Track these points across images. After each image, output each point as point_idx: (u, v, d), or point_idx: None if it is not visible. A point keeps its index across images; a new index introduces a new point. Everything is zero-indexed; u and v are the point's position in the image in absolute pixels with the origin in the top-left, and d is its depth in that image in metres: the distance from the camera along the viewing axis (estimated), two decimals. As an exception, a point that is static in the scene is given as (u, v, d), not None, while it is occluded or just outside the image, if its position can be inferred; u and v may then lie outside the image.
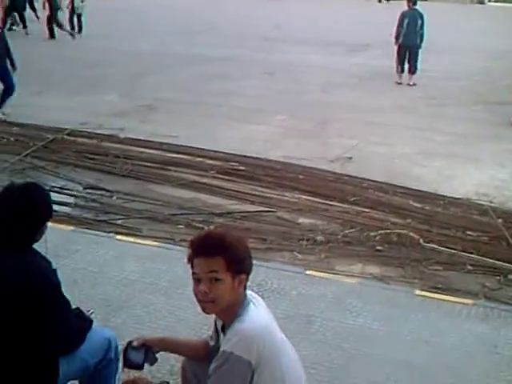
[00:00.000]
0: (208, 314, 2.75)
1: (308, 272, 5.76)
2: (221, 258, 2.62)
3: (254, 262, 5.68)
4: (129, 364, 2.86)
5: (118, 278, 5.46)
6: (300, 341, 4.60)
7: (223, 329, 2.74)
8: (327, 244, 6.50)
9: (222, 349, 2.58)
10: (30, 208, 2.81)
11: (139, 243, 6.20)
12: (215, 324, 2.89)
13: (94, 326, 3.04)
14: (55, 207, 7.00)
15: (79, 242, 6.11)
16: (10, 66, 10.57)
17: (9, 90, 10.67)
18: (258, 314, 2.67)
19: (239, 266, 2.66)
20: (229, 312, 2.68)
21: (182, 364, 3.06)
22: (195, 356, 2.99)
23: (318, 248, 6.40)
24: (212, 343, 2.91)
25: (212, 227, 6.70)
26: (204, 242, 2.68)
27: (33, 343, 2.67)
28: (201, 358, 2.93)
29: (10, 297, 2.62)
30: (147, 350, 2.90)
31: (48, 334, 2.69)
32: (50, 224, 6.44)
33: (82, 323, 2.93)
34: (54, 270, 2.79)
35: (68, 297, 4.94)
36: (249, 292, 2.80)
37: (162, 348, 3.01)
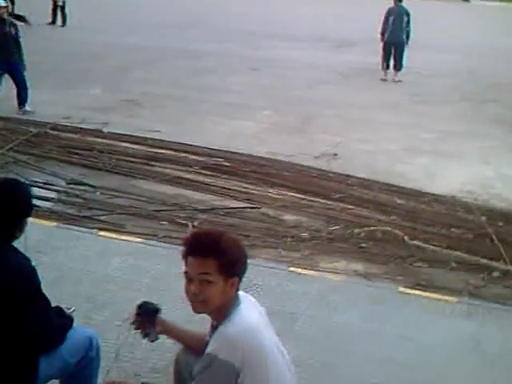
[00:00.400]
0: (198, 313, 2.71)
1: (292, 269, 5.74)
2: (214, 259, 2.56)
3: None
4: (144, 310, 2.83)
5: (101, 274, 5.41)
6: (283, 338, 4.52)
7: (215, 328, 2.71)
8: (311, 241, 6.48)
9: (206, 351, 2.55)
10: (9, 204, 2.75)
11: (122, 239, 6.15)
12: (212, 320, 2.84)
13: (74, 324, 3.00)
14: (38, 202, 7.04)
15: (62, 238, 6.05)
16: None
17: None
18: (247, 315, 2.63)
19: (232, 268, 2.61)
20: (219, 313, 2.64)
21: (176, 356, 3.03)
22: (196, 347, 2.94)
23: (302, 245, 6.38)
24: (207, 339, 2.86)
25: (196, 224, 6.68)
26: (198, 242, 2.63)
27: (12, 342, 2.62)
28: (200, 350, 2.88)
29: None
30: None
31: (28, 333, 2.65)
32: (32, 220, 6.35)
33: (62, 322, 2.89)
34: (34, 268, 2.74)
35: (50, 294, 4.90)
36: (241, 293, 2.75)
37: (165, 329, 2.96)
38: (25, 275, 2.67)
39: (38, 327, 2.67)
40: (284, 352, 2.80)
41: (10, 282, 2.60)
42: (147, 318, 2.91)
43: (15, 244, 2.91)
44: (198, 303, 2.61)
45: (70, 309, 3.08)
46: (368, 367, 4.32)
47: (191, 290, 2.59)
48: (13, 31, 10.56)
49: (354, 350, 4.51)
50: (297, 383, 2.83)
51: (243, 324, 2.58)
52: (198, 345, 2.88)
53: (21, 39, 10.76)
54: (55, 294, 4.90)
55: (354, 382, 4.17)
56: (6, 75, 10.66)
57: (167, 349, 4.07)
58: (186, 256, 2.63)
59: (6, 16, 10.56)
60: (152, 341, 2.93)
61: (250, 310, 2.68)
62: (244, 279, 5.25)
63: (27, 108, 10.61)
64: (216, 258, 2.56)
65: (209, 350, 2.54)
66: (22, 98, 10.65)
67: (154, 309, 2.94)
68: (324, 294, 5.29)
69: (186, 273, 2.63)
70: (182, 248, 2.67)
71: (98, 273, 5.43)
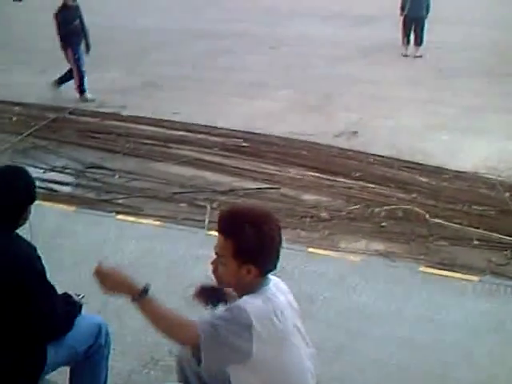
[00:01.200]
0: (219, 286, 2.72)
1: (311, 249, 5.68)
2: (230, 242, 2.49)
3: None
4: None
5: (119, 258, 5.38)
6: (303, 320, 4.54)
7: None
8: (331, 221, 6.42)
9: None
10: (12, 192, 2.71)
11: (140, 222, 6.14)
12: None
13: (87, 311, 2.97)
14: (56, 187, 7.05)
15: (80, 222, 6.05)
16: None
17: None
18: (274, 294, 2.53)
19: (248, 256, 2.48)
20: (240, 291, 2.58)
21: (178, 353, 2.97)
22: None
23: (322, 225, 6.32)
24: None
25: (215, 205, 6.64)
26: (223, 219, 2.57)
27: (19, 330, 2.60)
28: None
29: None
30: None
31: (34, 321, 2.62)
32: (50, 204, 6.47)
33: (69, 309, 2.86)
34: (38, 257, 2.70)
35: (68, 279, 4.92)
36: (272, 277, 2.65)
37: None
38: (29, 264, 2.63)
39: (43, 315, 2.64)
40: (307, 340, 2.72)
41: (15, 271, 2.56)
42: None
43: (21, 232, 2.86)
44: (216, 278, 2.61)
45: (79, 295, 3.05)
46: (387, 348, 4.26)
47: (211, 264, 2.59)
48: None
49: (373, 331, 4.45)
50: (313, 373, 2.76)
51: (269, 299, 2.50)
52: None
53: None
54: (73, 278, 4.95)
55: (373, 364, 4.11)
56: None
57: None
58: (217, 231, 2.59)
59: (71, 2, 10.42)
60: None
61: (277, 292, 2.59)
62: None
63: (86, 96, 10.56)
64: (232, 243, 2.49)
65: (235, 302, 2.49)
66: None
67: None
68: (343, 274, 5.22)
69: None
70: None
71: (116, 256, 5.40)
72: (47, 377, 2.82)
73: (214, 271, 2.58)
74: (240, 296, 2.56)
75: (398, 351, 4.23)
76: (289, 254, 5.54)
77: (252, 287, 2.53)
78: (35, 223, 5.89)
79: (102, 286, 2.56)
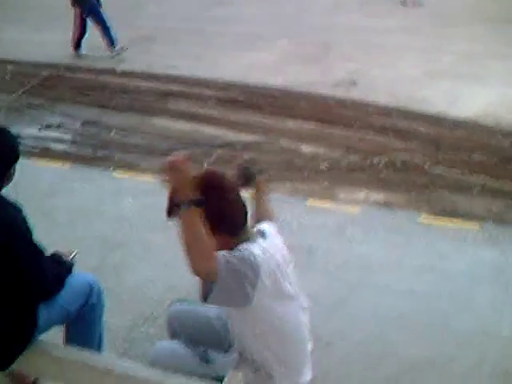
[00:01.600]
0: None
1: (309, 202, 5.62)
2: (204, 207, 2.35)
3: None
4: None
5: (116, 215, 5.35)
6: (300, 273, 4.47)
7: None
8: (330, 172, 6.33)
9: None
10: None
11: (137, 179, 6.06)
12: None
13: (77, 268, 2.91)
14: (52, 145, 6.97)
15: (76, 180, 5.99)
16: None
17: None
18: (262, 247, 2.48)
19: (216, 222, 2.40)
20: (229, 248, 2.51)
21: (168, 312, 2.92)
22: None
23: (321, 176, 6.24)
24: None
25: (212, 160, 6.56)
26: (200, 184, 2.44)
27: (8, 293, 2.54)
28: None
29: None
30: None
31: (23, 283, 2.56)
32: (45, 163, 6.40)
33: (59, 269, 2.80)
34: (23, 218, 2.62)
35: (64, 236, 4.88)
36: (263, 227, 2.60)
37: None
38: (15, 226, 2.55)
39: (32, 276, 2.59)
40: (299, 291, 2.67)
41: (1, 233, 2.49)
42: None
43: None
44: None
45: (71, 253, 2.98)
46: (387, 299, 4.22)
47: None
48: None
49: (373, 282, 4.41)
50: (307, 323, 2.72)
51: (260, 250, 2.45)
52: None
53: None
54: (69, 236, 4.91)
55: (373, 315, 4.08)
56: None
57: (182, 288, 4.03)
58: None
59: None
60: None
61: (266, 244, 2.54)
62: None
63: (116, 48, 10.37)
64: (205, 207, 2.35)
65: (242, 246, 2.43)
66: (109, 39, 10.37)
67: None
68: (342, 226, 5.17)
69: None
70: None
71: (113, 213, 5.37)
72: (40, 337, 2.78)
73: None
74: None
75: (398, 302, 4.19)
76: (287, 206, 5.51)
77: (243, 243, 2.48)
78: (30, 182, 5.88)
79: (167, 173, 2.39)
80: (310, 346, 2.69)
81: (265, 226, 2.65)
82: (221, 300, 2.38)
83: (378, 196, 5.84)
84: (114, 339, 3.82)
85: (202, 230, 2.28)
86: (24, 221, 2.59)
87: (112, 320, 3.92)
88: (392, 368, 3.62)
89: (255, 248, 2.47)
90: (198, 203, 2.29)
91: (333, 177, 6.22)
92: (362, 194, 5.87)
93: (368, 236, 5.00)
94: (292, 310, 2.57)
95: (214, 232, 2.39)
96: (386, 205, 5.65)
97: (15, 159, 2.70)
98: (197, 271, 2.28)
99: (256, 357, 2.51)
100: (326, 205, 5.60)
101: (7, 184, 2.70)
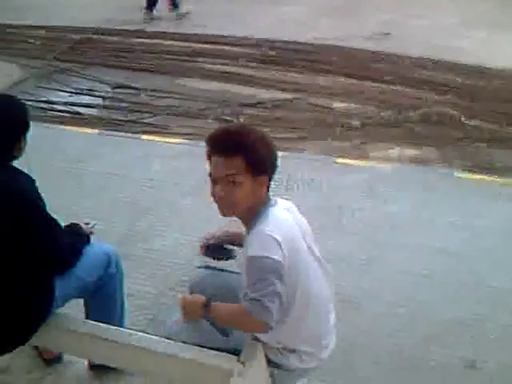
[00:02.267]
0: (226, 216, 2.50)
1: (341, 160, 5.51)
2: (240, 157, 2.34)
3: (285, 153, 5.55)
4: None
5: (144, 179, 5.31)
6: (331, 233, 4.43)
7: (248, 232, 2.51)
8: (362, 129, 6.21)
9: (248, 254, 2.37)
10: (5, 122, 2.57)
11: (166, 142, 6.01)
12: None
13: (92, 241, 2.87)
14: (82, 110, 6.95)
15: (104, 145, 5.95)
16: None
17: None
18: (280, 215, 2.42)
19: (260, 166, 2.38)
20: (249, 215, 2.43)
21: (190, 286, 2.86)
22: None
23: (353, 133, 6.12)
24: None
25: (243, 119, 6.48)
26: (223, 139, 2.40)
27: (24, 265, 2.51)
28: None
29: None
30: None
31: (38, 255, 2.53)
32: (73, 129, 6.38)
33: (76, 240, 2.76)
34: (36, 191, 2.56)
35: (92, 204, 4.87)
36: (279, 199, 2.53)
37: (229, 241, 2.79)
38: (26, 198, 2.50)
39: (47, 249, 2.55)
40: (322, 260, 2.59)
41: (11, 206, 2.44)
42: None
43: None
44: (226, 206, 2.41)
45: (88, 224, 2.94)
46: (419, 258, 4.13)
47: (217, 193, 2.39)
48: None
49: (405, 242, 4.31)
50: (332, 293, 2.63)
51: (276, 222, 2.38)
52: None
53: None
54: (98, 202, 4.91)
55: (405, 275, 3.99)
56: None
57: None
58: (210, 156, 2.41)
59: None
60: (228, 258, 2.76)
61: (282, 211, 2.46)
62: (292, 174, 5.15)
63: (180, 11, 10.25)
64: (242, 156, 2.34)
65: (250, 253, 2.35)
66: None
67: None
68: (374, 184, 5.05)
69: (210, 174, 2.42)
70: (205, 147, 2.44)
71: (141, 178, 5.32)
72: (59, 310, 2.77)
73: (224, 199, 2.39)
74: (249, 226, 2.43)
75: (430, 261, 4.09)
76: (318, 164, 5.43)
77: (264, 205, 2.41)
78: (60, 148, 5.88)
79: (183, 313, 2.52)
80: (332, 317, 2.61)
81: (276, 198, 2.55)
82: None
83: (412, 152, 5.71)
84: (142, 306, 3.80)
85: (228, 314, 2.43)
86: (37, 192, 2.54)
87: (140, 287, 3.92)
88: (423, 330, 3.54)
89: (278, 212, 2.41)
90: (206, 305, 2.42)
91: (365, 133, 6.10)
92: (395, 151, 5.74)
93: (400, 194, 4.89)
94: (314, 281, 2.49)
95: (256, 176, 2.38)
96: (420, 161, 5.53)
97: (25, 129, 2.63)
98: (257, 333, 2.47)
99: (277, 334, 2.44)
100: (358, 163, 5.49)
101: (19, 155, 2.64)
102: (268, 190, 2.49)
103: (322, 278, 2.54)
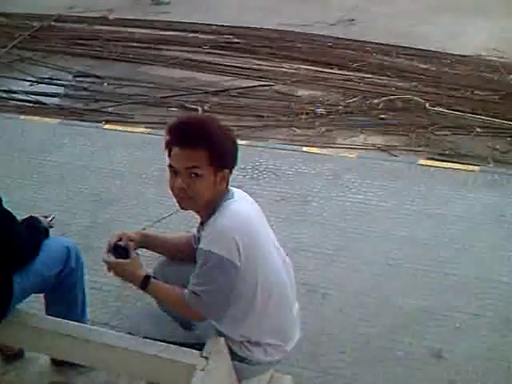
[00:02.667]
0: (184, 209, 2.44)
1: (306, 149, 5.48)
2: (204, 150, 2.27)
3: (250, 141, 5.50)
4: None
5: (107, 170, 5.21)
6: (297, 222, 4.40)
7: (202, 225, 2.46)
8: (328, 116, 6.19)
9: (199, 246, 2.32)
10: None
11: (129, 131, 5.91)
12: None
13: (51, 235, 2.79)
14: (44, 99, 6.82)
15: (66, 135, 5.82)
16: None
17: None
18: (239, 208, 2.37)
19: (223, 160, 2.33)
20: (208, 208, 2.37)
21: (154, 270, 2.80)
22: (177, 254, 2.71)
23: (318, 121, 6.10)
24: (196, 235, 2.61)
25: (207, 107, 6.41)
26: (185, 130, 2.32)
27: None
28: (183, 257, 2.65)
29: None
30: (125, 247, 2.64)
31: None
32: (35, 118, 6.25)
33: (34, 234, 2.68)
34: None
35: (54, 194, 4.78)
36: (236, 189, 2.48)
37: (143, 245, 2.73)
38: None
39: (5, 244, 2.47)
40: (281, 250, 2.55)
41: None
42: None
43: None
44: (186, 199, 2.35)
45: (48, 217, 2.86)
46: (386, 247, 4.10)
47: (178, 185, 2.31)
48: None
49: (372, 230, 4.28)
50: (293, 283, 2.60)
51: (235, 216, 2.33)
52: (183, 251, 2.65)
53: None
54: (59, 193, 4.81)
55: (371, 264, 3.96)
56: None
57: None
58: (170, 146, 2.33)
59: None
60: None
61: (241, 204, 2.41)
62: (257, 163, 5.10)
63: None
64: (206, 149, 2.27)
65: (202, 245, 2.30)
66: None
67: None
68: (339, 173, 5.02)
69: (170, 166, 2.35)
70: (165, 137, 2.37)
71: (104, 168, 5.23)
72: (18, 306, 2.69)
73: (184, 192, 2.32)
74: (206, 219, 2.38)
75: (396, 249, 4.07)
76: (283, 153, 5.39)
77: (222, 198, 2.36)
78: (21, 138, 5.76)
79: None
80: (296, 308, 2.57)
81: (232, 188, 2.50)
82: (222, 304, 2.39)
83: (377, 140, 5.70)
84: (106, 299, 3.74)
85: (167, 297, 2.47)
86: None
87: (104, 279, 3.83)
88: (390, 319, 3.51)
89: (237, 205, 2.36)
90: (145, 282, 2.44)
91: (330, 121, 6.08)
92: (360, 139, 5.73)
93: (366, 182, 4.86)
94: (274, 272, 2.45)
95: (219, 170, 2.33)
96: (385, 149, 5.52)
97: None
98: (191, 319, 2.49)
99: (240, 327, 2.40)
100: (323, 151, 5.45)
101: None
102: (228, 184, 2.43)
103: (281, 269, 2.50)
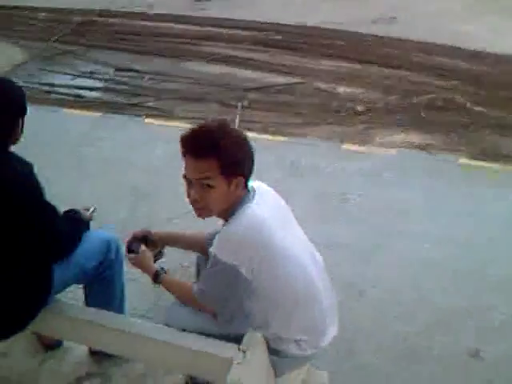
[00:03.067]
0: (203, 218, 2.44)
1: (345, 146, 5.46)
2: (214, 160, 2.24)
3: (289, 138, 5.50)
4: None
5: (146, 164, 5.27)
6: (335, 219, 4.40)
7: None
8: (367, 114, 6.14)
9: (210, 249, 2.33)
10: (1, 107, 2.50)
11: (169, 125, 5.95)
12: None
13: (92, 227, 2.81)
14: (84, 93, 6.90)
15: (106, 129, 5.90)
16: None
17: None
18: (254, 213, 2.33)
19: (235, 168, 2.30)
20: (226, 214, 2.37)
21: (197, 260, 2.84)
22: (202, 252, 2.74)
23: (358, 119, 6.06)
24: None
25: (246, 103, 6.42)
26: (195, 141, 2.28)
27: (22, 253, 2.45)
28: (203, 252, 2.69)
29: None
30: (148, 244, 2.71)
31: (36, 244, 2.47)
32: (76, 112, 6.33)
33: (75, 226, 2.70)
34: (34, 178, 2.47)
35: (93, 187, 4.83)
36: (258, 185, 2.46)
37: (167, 242, 2.77)
38: (26, 185, 2.42)
39: (46, 236, 2.48)
40: (310, 246, 2.53)
41: (6, 194, 2.37)
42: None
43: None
44: (201, 209, 2.35)
45: (89, 209, 2.89)
46: (425, 246, 4.07)
47: (192, 196, 2.32)
48: None
49: (409, 229, 4.26)
50: (324, 279, 2.57)
51: (248, 222, 2.29)
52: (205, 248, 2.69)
53: None
54: (99, 186, 4.86)
55: (408, 263, 3.94)
56: None
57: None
58: (184, 156, 2.31)
59: None
60: (155, 260, 2.72)
61: (260, 207, 2.38)
62: (295, 160, 5.10)
63: None
64: (216, 158, 2.24)
65: (211, 248, 2.31)
66: None
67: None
68: (378, 170, 5.00)
69: (184, 176, 2.35)
70: (180, 147, 2.34)
71: (143, 162, 5.28)
72: (58, 296, 2.73)
73: (198, 202, 2.32)
74: (226, 222, 2.37)
75: (435, 248, 4.04)
76: (322, 150, 5.37)
77: (239, 203, 2.34)
78: (62, 131, 5.83)
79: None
80: (326, 302, 2.54)
81: (255, 183, 2.47)
82: (227, 310, 2.46)
83: (417, 138, 5.64)
84: (144, 291, 3.76)
85: (178, 290, 2.59)
86: (34, 179, 2.46)
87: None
88: (427, 318, 3.49)
89: (254, 209, 2.33)
90: (157, 277, 2.59)
91: (370, 119, 6.03)
92: (400, 137, 5.68)
93: (405, 181, 4.83)
94: (298, 269, 2.43)
95: (232, 178, 2.30)
96: (425, 147, 5.46)
97: (21, 113, 2.56)
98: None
99: (269, 328, 2.40)
100: (362, 148, 5.43)
101: (16, 141, 2.56)
102: (246, 188, 2.41)
103: (308, 266, 2.48)
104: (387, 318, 3.52)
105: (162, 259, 2.83)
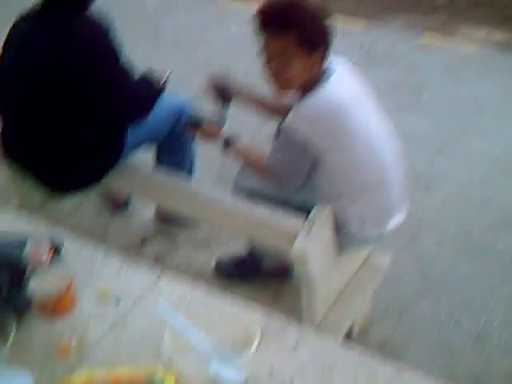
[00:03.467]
0: (280, 94, 2.40)
1: (424, 37, 5.27)
2: (292, 32, 2.18)
3: (368, 24, 5.32)
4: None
5: (220, 42, 5.19)
6: (407, 111, 4.30)
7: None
8: (449, 6, 5.89)
9: (283, 124, 2.29)
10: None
11: (242, 7, 5.82)
12: None
13: (168, 90, 2.78)
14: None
15: (181, 4, 5.81)
16: None
17: None
18: (333, 91, 2.28)
19: (314, 41, 2.23)
20: (303, 89, 2.33)
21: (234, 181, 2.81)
22: (273, 110, 2.73)
23: (439, 11, 5.82)
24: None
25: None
26: (274, 14, 2.21)
27: (96, 111, 2.43)
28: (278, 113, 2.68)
29: (67, 60, 2.35)
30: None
31: (110, 103, 2.46)
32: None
33: (151, 87, 2.67)
34: (112, 35, 2.41)
35: (166, 57, 4.78)
36: (336, 63, 2.40)
37: (241, 97, 2.73)
38: (99, 43, 2.36)
39: (119, 97, 2.46)
40: (387, 130, 2.47)
41: (81, 52, 2.30)
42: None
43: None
44: (281, 82, 2.30)
45: (165, 73, 2.84)
46: (498, 144, 3.96)
47: (272, 69, 2.25)
48: None
49: (484, 126, 4.15)
50: (401, 166, 2.53)
51: (326, 99, 2.25)
52: (277, 109, 2.68)
53: None
54: (172, 58, 4.83)
55: (481, 159, 3.85)
56: None
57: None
58: (261, 30, 2.23)
59: None
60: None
61: (338, 86, 2.31)
62: (371, 46, 4.95)
63: None
64: (296, 32, 2.17)
65: (284, 123, 2.28)
66: None
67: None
68: (457, 65, 4.83)
69: (261, 50, 2.27)
70: (255, 21, 2.28)
71: (217, 40, 5.21)
72: (132, 156, 2.76)
73: (278, 75, 2.26)
74: (302, 96, 2.31)
75: (508, 148, 3.94)
76: (400, 41, 5.20)
77: (318, 80, 2.28)
78: (138, 1, 5.74)
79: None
80: (397, 189, 2.50)
81: (335, 62, 2.39)
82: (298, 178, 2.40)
83: (500, 35, 5.41)
84: (210, 166, 3.80)
85: (247, 156, 2.52)
86: (111, 40, 2.41)
87: (210, 148, 3.88)
88: (493, 216, 3.44)
89: (332, 85, 2.27)
90: (227, 144, 2.51)
91: (452, 12, 5.79)
92: (482, 32, 5.45)
93: (484, 78, 4.67)
94: (372, 152, 2.38)
95: (310, 52, 2.23)
96: (508, 45, 5.23)
97: None
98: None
99: (343, 199, 2.39)
100: (442, 42, 5.24)
101: (91, 2, 2.49)
102: (323, 64, 2.35)
103: (384, 150, 2.43)
104: (453, 212, 3.48)
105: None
